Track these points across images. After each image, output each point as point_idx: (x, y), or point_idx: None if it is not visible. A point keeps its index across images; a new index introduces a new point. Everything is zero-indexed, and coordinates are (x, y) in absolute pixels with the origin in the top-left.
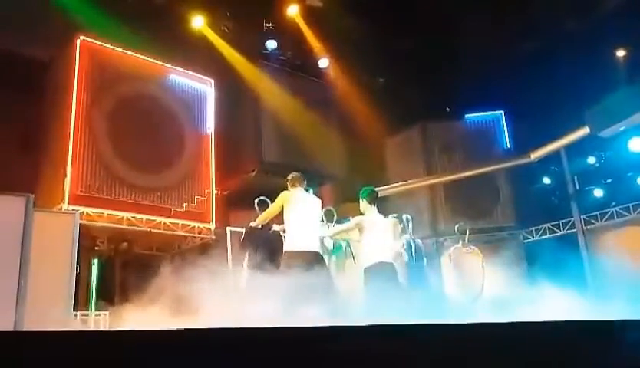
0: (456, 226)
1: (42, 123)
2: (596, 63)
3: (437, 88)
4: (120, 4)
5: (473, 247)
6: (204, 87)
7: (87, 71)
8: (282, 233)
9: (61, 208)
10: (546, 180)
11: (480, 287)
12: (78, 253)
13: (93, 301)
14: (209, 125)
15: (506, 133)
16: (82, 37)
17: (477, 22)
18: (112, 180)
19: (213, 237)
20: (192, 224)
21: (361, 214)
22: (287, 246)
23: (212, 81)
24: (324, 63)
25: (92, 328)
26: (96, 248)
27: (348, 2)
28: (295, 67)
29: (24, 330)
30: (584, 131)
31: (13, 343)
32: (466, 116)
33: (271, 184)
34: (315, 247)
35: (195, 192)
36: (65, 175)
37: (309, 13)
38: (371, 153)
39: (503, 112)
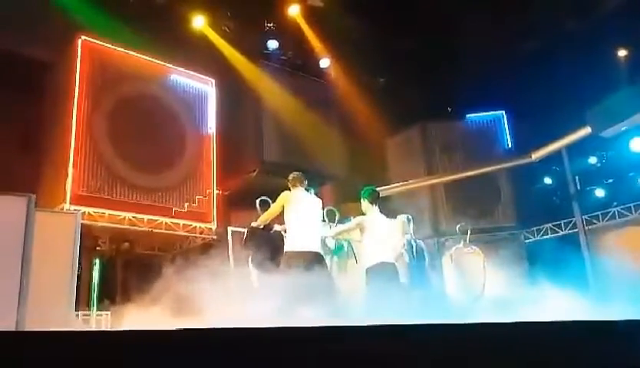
0: (458, 226)
1: (43, 124)
2: (597, 62)
3: (437, 88)
4: (120, 4)
5: (474, 247)
6: (205, 87)
7: (88, 72)
8: (283, 233)
9: (62, 208)
10: (548, 180)
11: (482, 287)
12: (80, 253)
13: (94, 301)
14: (211, 125)
15: (507, 133)
16: (83, 37)
17: (477, 22)
18: (113, 180)
19: (214, 237)
20: (194, 224)
21: (363, 214)
22: (287, 246)
23: (214, 81)
24: (325, 63)
25: (94, 328)
26: (97, 248)
27: (349, 2)
28: (295, 67)
29: (25, 329)
30: (585, 131)
31: (15, 343)
32: (467, 116)
33: (272, 184)
34: (316, 247)
35: (196, 192)
36: (67, 176)
37: (310, 13)
38: (372, 153)
39: (503, 112)
